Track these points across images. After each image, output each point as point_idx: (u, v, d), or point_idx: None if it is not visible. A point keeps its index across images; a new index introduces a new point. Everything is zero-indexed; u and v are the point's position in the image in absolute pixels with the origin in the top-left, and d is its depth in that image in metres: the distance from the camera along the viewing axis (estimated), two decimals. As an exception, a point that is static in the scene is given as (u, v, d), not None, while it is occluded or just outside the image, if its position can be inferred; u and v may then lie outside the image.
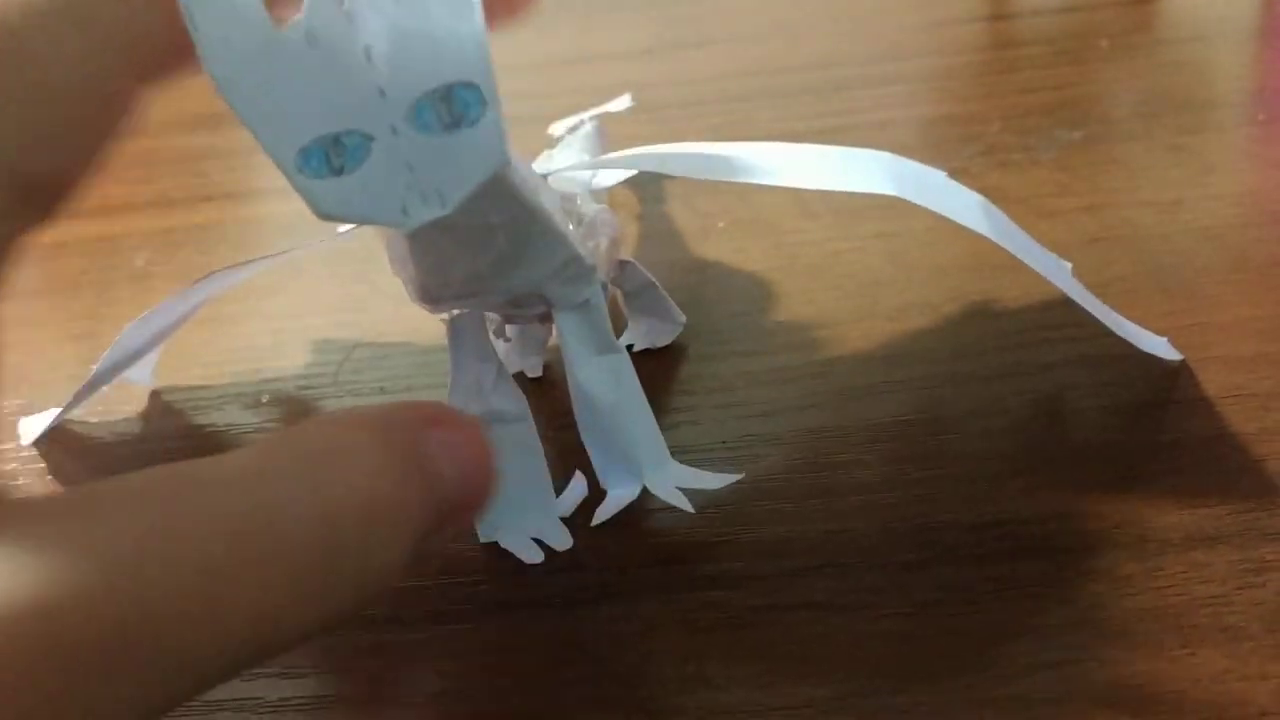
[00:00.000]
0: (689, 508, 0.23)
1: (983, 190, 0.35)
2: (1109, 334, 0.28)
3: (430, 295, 0.21)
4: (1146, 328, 0.27)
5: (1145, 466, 0.23)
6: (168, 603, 0.13)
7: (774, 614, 0.21)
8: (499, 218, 0.20)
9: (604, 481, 0.23)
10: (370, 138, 0.15)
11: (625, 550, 0.23)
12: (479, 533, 0.23)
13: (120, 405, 0.29)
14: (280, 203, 0.41)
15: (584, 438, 0.23)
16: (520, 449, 0.23)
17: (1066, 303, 0.29)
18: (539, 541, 0.23)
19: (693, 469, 0.23)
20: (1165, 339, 0.26)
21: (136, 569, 0.12)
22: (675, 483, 0.23)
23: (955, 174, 0.37)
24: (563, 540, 0.23)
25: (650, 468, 0.23)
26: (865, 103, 0.42)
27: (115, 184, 0.42)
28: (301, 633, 0.14)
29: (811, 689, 0.19)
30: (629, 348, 0.29)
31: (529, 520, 0.23)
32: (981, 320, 0.29)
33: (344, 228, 0.27)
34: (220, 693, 0.20)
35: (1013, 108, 0.40)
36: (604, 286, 0.23)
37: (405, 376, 0.29)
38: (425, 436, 0.16)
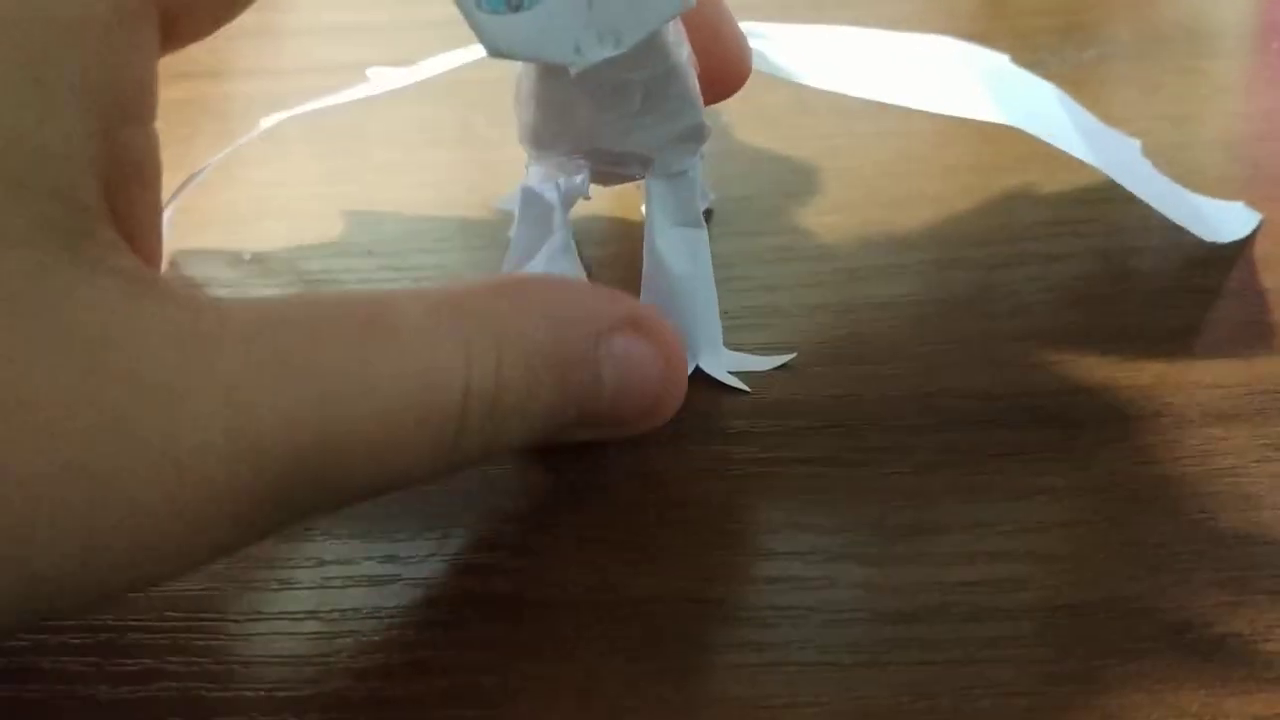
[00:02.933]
0: (745, 388, 0.22)
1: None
2: (1123, 230, 0.27)
3: (540, 141, 0.21)
4: (1154, 227, 0.26)
5: (1159, 348, 0.22)
6: (348, 436, 0.15)
7: (776, 466, 0.20)
8: (641, 74, 0.19)
9: None
10: None
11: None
12: None
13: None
14: (261, 82, 0.40)
15: None
16: None
17: (1080, 201, 0.28)
18: None
19: (744, 354, 0.23)
20: (1241, 202, 0.25)
21: (334, 397, 0.15)
22: (728, 366, 0.22)
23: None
24: None
25: (707, 349, 0.22)
26: (871, 17, 0.41)
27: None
28: (428, 475, 0.16)
29: (815, 537, 0.18)
30: None
31: None
32: (990, 213, 0.28)
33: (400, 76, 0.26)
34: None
35: (1023, 28, 0.40)
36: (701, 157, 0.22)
37: (394, 240, 0.28)
38: (608, 340, 0.17)
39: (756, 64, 0.23)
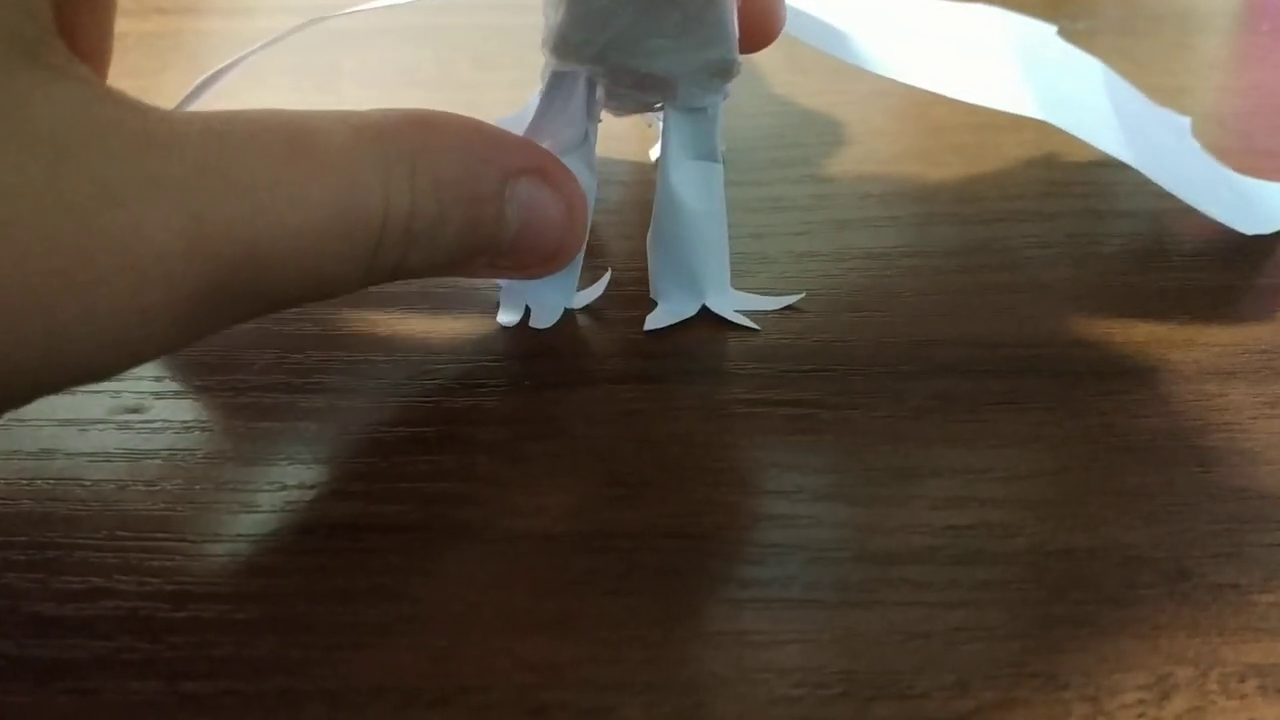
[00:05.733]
0: (754, 327, 0.21)
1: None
2: (1116, 193, 0.27)
3: (566, 48, 0.20)
4: (1147, 191, 0.25)
5: (1153, 306, 0.22)
6: (279, 246, 0.15)
7: (762, 407, 0.19)
8: None
9: (655, 292, 0.22)
10: None
11: (604, 343, 0.21)
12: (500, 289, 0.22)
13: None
14: (236, 20, 0.39)
15: (652, 247, 0.21)
16: None
17: (1073, 162, 0.28)
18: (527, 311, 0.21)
19: (750, 294, 0.22)
20: None
21: (266, 209, 0.15)
22: (736, 306, 0.22)
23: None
24: (547, 320, 0.21)
25: (714, 288, 0.21)
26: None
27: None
28: (346, 287, 0.17)
29: (802, 476, 0.18)
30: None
31: (539, 289, 0.21)
32: (983, 171, 0.27)
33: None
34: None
35: (1015, 1, 0.39)
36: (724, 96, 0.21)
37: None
38: (516, 182, 0.18)
39: (788, 24, 0.23)
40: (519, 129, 0.21)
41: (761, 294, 0.22)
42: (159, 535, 0.17)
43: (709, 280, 0.21)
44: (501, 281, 0.21)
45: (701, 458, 0.18)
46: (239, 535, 0.17)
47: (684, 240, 0.21)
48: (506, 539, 0.16)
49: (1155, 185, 0.27)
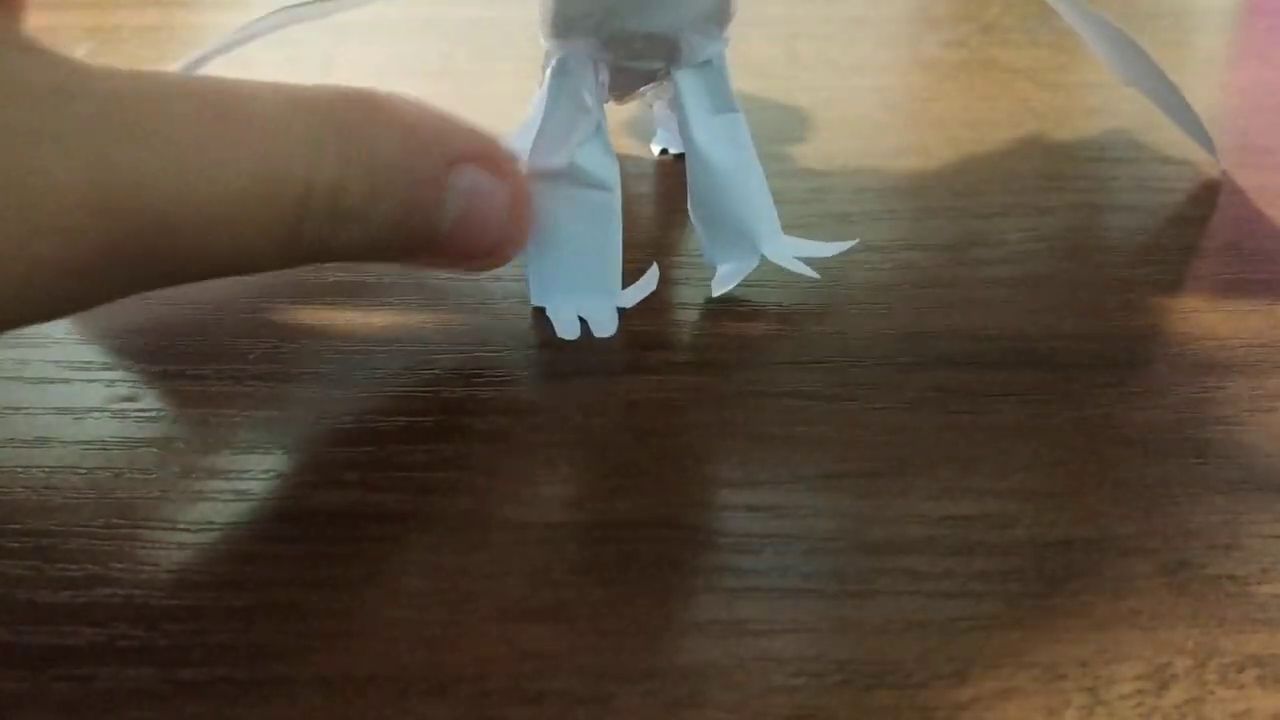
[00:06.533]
0: (814, 275, 0.21)
1: (983, 62, 0.34)
2: (1113, 186, 0.27)
3: (568, 24, 0.20)
4: (1145, 186, 0.25)
5: (1150, 300, 0.22)
6: (195, 207, 0.15)
7: (759, 399, 0.19)
8: None
9: (712, 258, 0.22)
10: None
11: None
12: (531, 295, 0.21)
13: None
14: (229, 13, 0.39)
15: (694, 212, 0.21)
16: (598, 218, 0.21)
17: (1071, 158, 0.28)
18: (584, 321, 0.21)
19: (807, 240, 0.22)
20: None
21: (182, 169, 0.15)
22: (793, 252, 0.22)
23: (952, 44, 0.35)
24: (607, 327, 0.21)
25: (768, 236, 0.21)
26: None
27: (58, -17, 0.39)
28: (268, 262, 0.16)
29: (797, 467, 0.18)
30: (663, 151, 0.28)
31: (584, 295, 0.21)
32: (981, 166, 0.27)
33: None
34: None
35: (1012, -5, 0.39)
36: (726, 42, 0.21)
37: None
38: (458, 168, 0.17)
39: None
40: (530, 135, 0.20)
41: (809, 239, 0.22)
42: (154, 523, 0.17)
43: (761, 230, 0.21)
44: (547, 299, 0.21)
45: (699, 449, 0.18)
46: (234, 523, 0.17)
47: (725, 197, 0.21)
48: (504, 528, 0.16)
49: (1152, 180, 0.27)
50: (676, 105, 0.21)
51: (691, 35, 0.20)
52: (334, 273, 0.23)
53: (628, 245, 0.21)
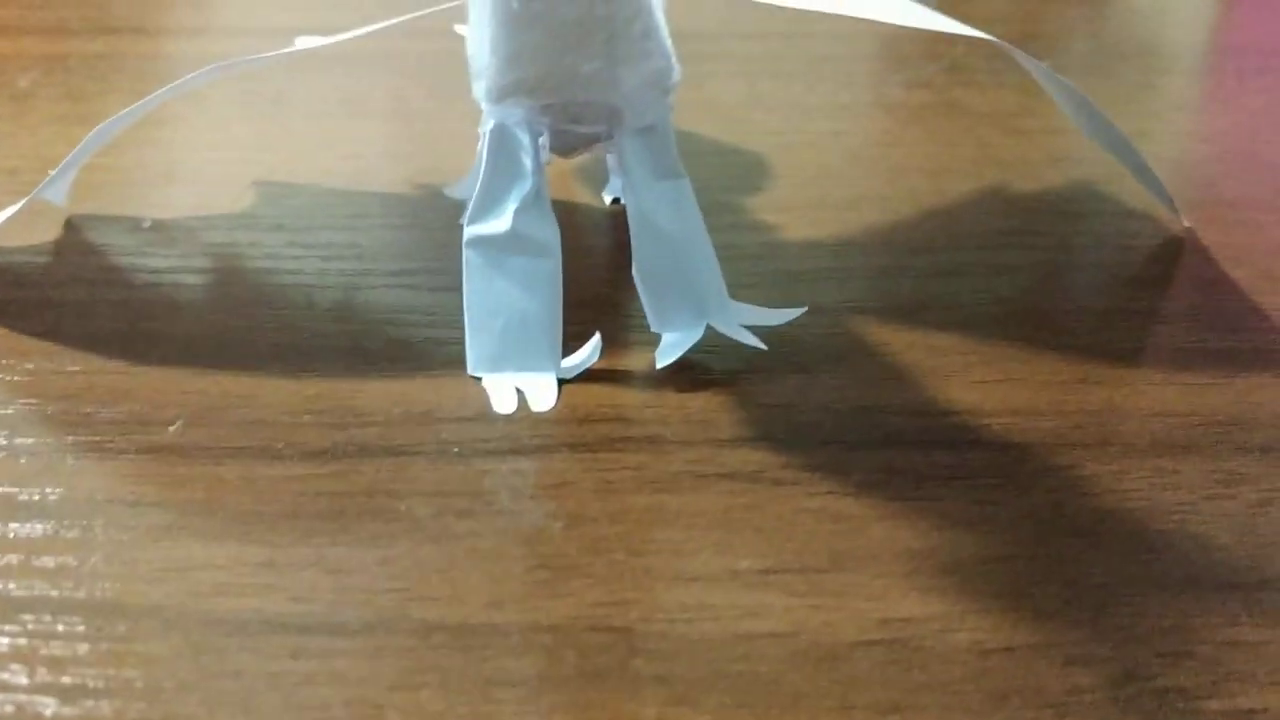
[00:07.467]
0: (760, 345, 0.21)
1: (946, 104, 0.33)
2: (1074, 247, 0.26)
3: (503, 91, 0.19)
4: (1107, 244, 0.25)
5: (1107, 371, 0.21)
6: None
7: (698, 482, 0.18)
8: (606, 8, 0.18)
9: (658, 325, 0.21)
10: None
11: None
12: (468, 364, 0.20)
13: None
14: (184, 41, 0.38)
15: (639, 278, 0.21)
16: (537, 285, 0.20)
17: (1032, 211, 0.27)
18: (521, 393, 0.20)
19: (755, 307, 0.21)
20: None
21: None
22: (740, 320, 0.21)
23: (915, 85, 0.35)
24: (545, 400, 0.20)
25: (714, 306, 0.21)
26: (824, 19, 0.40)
27: (6, 6, 0.38)
28: None
29: (734, 560, 0.17)
30: (615, 200, 0.27)
31: (522, 366, 0.20)
32: (937, 219, 0.27)
33: (305, 40, 0.24)
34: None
35: (979, 32, 0.38)
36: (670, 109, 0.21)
37: (306, 214, 0.26)
38: None
39: None
40: (470, 192, 0.20)
41: (757, 304, 0.21)
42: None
43: (708, 299, 0.21)
44: (484, 369, 0.20)
45: (633, 538, 0.17)
46: (128, 621, 0.16)
47: (670, 265, 0.20)
48: (418, 631, 0.16)
49: (1114, 236, 0.26)
50: (620, 169, 0.20)
51: (633, 102, 0.19)
52: (273, 334, 0.22)
53: (573, 304, 0.21)
